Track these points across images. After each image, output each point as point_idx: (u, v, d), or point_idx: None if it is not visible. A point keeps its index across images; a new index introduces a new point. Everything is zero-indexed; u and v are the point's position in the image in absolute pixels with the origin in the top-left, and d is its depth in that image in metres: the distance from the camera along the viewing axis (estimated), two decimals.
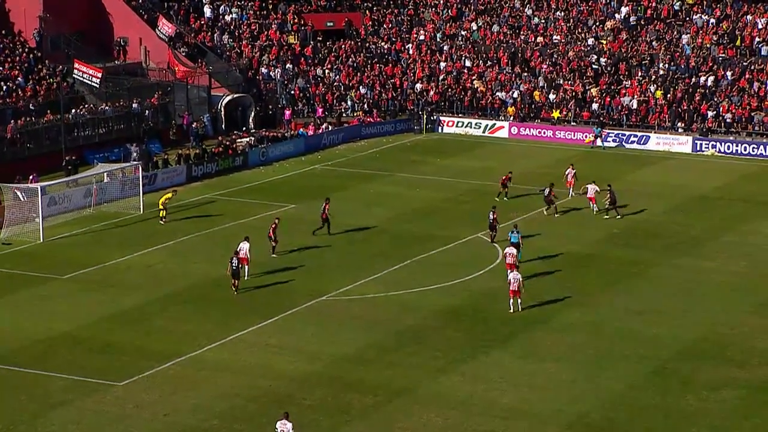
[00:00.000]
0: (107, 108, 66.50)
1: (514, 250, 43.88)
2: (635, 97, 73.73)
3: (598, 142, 70.32)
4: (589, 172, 61.69)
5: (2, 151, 59.40)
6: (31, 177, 55.42)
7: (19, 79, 65.85)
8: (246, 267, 43.81)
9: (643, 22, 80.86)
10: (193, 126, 68.92)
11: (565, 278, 44.98)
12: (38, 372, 35.39)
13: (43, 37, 70.58)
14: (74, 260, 46.66)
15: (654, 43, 78.23)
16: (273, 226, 46.94)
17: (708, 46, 76.73)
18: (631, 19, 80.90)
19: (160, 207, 52.25)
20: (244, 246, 43.72)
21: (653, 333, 39.05)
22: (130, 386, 34.43)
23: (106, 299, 42.23)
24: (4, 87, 64.53)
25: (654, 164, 66.09)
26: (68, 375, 35.12)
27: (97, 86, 66.27)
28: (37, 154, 60.56)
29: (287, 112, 73.86)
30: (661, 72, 75.37)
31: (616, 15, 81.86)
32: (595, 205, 54.36)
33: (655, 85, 74.30)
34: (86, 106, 66.51)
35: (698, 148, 69.36)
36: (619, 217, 53.37)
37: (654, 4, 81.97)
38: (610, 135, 71.06)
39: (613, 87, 75.27)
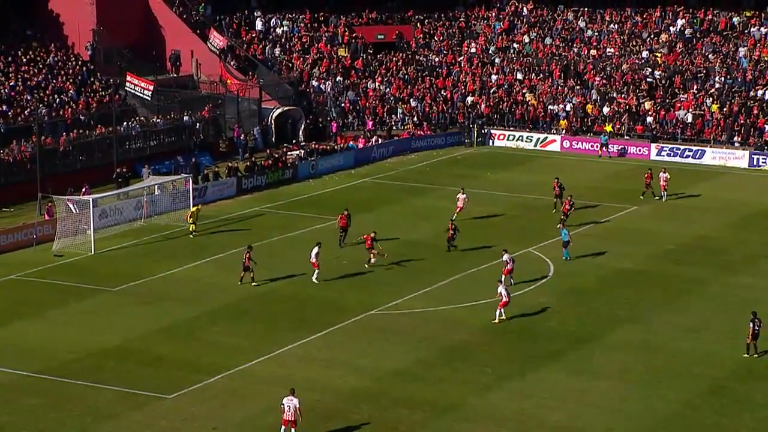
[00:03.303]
0: (159, 121, 66.90)
1: (508, 257, 44.85)
2: (690, 110, 72.79)
3: (605, 152, 70.06)
4: (641, 186, 61.03)
5: (55, 164, 59.86)
6: (83, 189, 55.81)
7: (71, 91, 66.44)
8: (316, 271, 45.09)
9: (698, 35, 79.88)
10: (242, 138, 69.11)
11: (618, 295, 44.38)
12: (88, 384, 35.52)
13: (96, 50, 71.21)
14: (125, 273, 46.84)
15: (710, 56, 77.21)
16: (247, 254, 45.10)
17: (766, 59, 75.56)
18: (686, 32, 79.94)
19: (189, 221, 52.08)
20: (315, 250, 45.09)
21: (708, 351, 38.37)
22: (180, 399, 34.44)
23: (155, 312, 42.33)
24: (57, 100, 65.16)
25: (709, 179, 65.13)
26: (118, 387, 35.22)
27: (149, 99, 66.73)
28: (89, 167, 60.99)
29: (334, 125, 73.86)
30: (717, 85, 74.36)
31: (671, 28, 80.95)
32: (664, 193, 58.45)
33: (710, 99, 73.30)
34: (138, 118, 66.95)
35: (755, 163, 68.26)
36: (555, 210, 54.85)
37: (710, 17, 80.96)
38: (665, 149, 70.22)
39: (667, 100, 74.37)
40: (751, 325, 37.54)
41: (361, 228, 51.08)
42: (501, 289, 40.99)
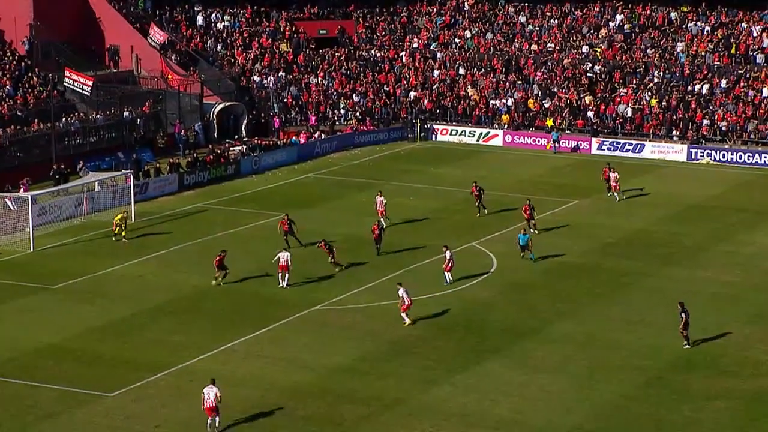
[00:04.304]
0: (98, 116, 66.16)
1: (449, 253, 44.43)
2: (630, 105, 73.57)
3: (560, 147, 70.74)
4: (586, 181, 61.63)
5: None
6: (24, 180, 55.15)
7: (8, 87, 65.46)
8: (287, 275, 43.96)
9: (637, 30, 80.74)
10: (182, 134, 68.58)
11: (559, 289, 44.71)
12: (28, 383, 35.08)
13: (33, 45, 70.20)
14: (64, 270, 46.30)
15: (648, 51, 78.09)
16: (219, 257, 44.56)
17: (703, 53, 76.60)
18: (625, 27, 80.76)
19: (115, 224, 50.57)
20: (284, 255, 43.96)
21: (647, 344, 38.78)
22: (120, 397, 34.14)
23: (96, 310, 41.91)
24: None
25: (649, 173, 65.84)
26: (58, 386, 34.83)
27: (88, 94, 66.01)
28: (27, 163, 60.15)
29: (276, 121, 73.61)
30: (656, 80, 75.22)
31: (611, 23, 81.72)
32: (616, 193, 57.84)
33: (649, 93, 74.15)
34: (77, 114, 66.14)
35: (693, 157, 69.16)
36: (479, 214, 54.54)
37: (648, 12, 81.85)
38: (605, 143, 70.92)
39: (607, 95, 75.10)
40: (683, 316, 37.96)
41: (306, 225, 50.99)
42: (401, 292, 40.28)
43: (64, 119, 64.41)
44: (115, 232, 50.64)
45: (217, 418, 32.02)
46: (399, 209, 56.43)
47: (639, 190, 60.80)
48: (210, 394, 31.94)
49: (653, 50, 77.96)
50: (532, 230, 50.19)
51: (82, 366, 36.62)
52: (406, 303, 40.18)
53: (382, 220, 51.91)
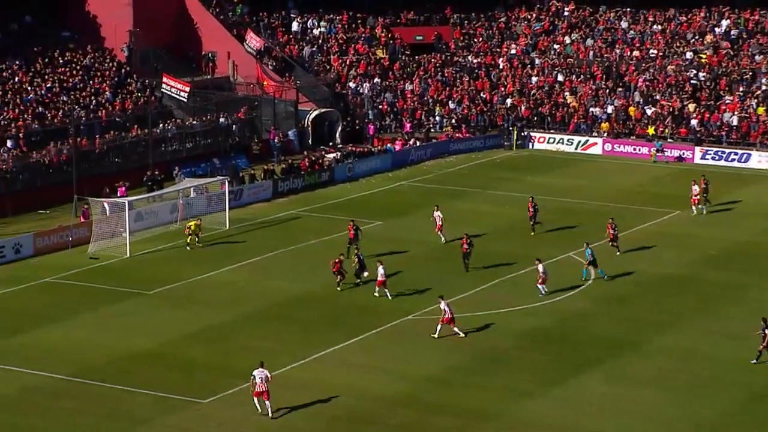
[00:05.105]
0: (195, 122, 66.67)
1: (542, 267, 43.23)
2: (736, 113, 71.56)
3: (662, 157, 68.93)
4: (688, 191, 59.96)
5: (91, 165, 59.71)
6: (120, 182, 55.80)
7: (107, 93, 66.38)
8: (382, 288, 43.54)
9: (744, 36, 78.58)
10: (275, 140, 68.71)
11: (659, 301, 43.65)
12: (122, 388, 35.30)
13: (132, 52, 71.11)
14: (160, 276, 46.61)
15: (756, 57, 75.91)
16: (338, 260, 44.62)
17: None
18: (732, 33, 78.68)
19: (188, 233, 50.34)
20: (380, 269, 43.54)
21: (748, 358, 37.41)
22: (213, 404, 34.14)
23: (190, 316, 42.07)
24: (93, 101, 65.11)
25: (755, 183, 64.06)
26: (152, 391, 34.96)
27: (185, 101, 66.55)
28: (125, 169, 60.78)
29: (371, 128, 73.34)
30: (764, 87, 73.06)
31: (716, 28, 79.70)
32: (695, 207, 55.81)
33: (756, 101, 72.05)
34: (174, 120, 66.76)
35: None
36: (534, 233, 52.21)
37: (756, 18, 79.61)
38: (709, 152, 69.09)
39: (712, 103, 73.18)
40: (767, 332, 36.63)
41: (399, 233, 50.57)
42: (443, 305, 39.31)
43: (161, 125, 65.07)
44: (188, 233, 50.44)
45: (267, 402, 32.73)
46: (495, 218, 55.77)
47: (741, 201, 59.03)
48: (261, 377, 32.63)
49: (761, 57, 75.75)
50: (616, 252, 48.76)
51: (175, 372, 36.73)
52: (447, 315, 39.23)
53: (441, 235, 50.61)
